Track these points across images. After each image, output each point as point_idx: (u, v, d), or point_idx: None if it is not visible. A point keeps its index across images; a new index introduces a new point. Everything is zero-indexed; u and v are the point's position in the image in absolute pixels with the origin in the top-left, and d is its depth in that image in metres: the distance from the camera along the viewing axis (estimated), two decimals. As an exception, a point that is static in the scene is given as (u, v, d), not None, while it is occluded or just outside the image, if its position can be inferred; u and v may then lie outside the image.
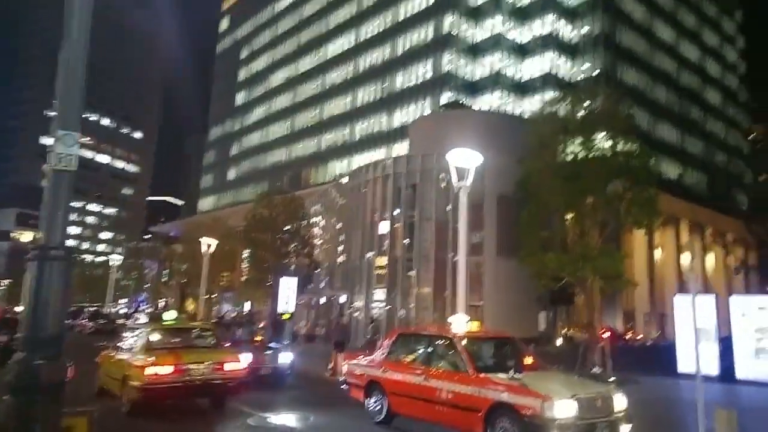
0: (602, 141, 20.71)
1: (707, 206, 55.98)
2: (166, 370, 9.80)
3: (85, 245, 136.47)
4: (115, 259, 60.38)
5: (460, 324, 11.23)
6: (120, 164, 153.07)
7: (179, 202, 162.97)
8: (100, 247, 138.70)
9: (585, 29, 54.58)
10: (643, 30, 58.19)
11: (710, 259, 57.58)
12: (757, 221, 45.27)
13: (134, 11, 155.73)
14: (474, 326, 11.46)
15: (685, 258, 53.37)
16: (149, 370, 9.70)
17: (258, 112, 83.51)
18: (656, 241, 50.29)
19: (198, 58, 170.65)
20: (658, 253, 51.31)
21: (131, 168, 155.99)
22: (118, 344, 12.04)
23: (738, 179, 66.00)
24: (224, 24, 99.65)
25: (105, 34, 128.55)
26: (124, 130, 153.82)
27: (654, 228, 25.30)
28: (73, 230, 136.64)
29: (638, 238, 44.39)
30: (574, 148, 20.52)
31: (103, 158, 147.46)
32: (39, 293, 4.92)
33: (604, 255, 18.72)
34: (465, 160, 12.60)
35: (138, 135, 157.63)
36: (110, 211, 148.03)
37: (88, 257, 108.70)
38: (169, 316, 14.56)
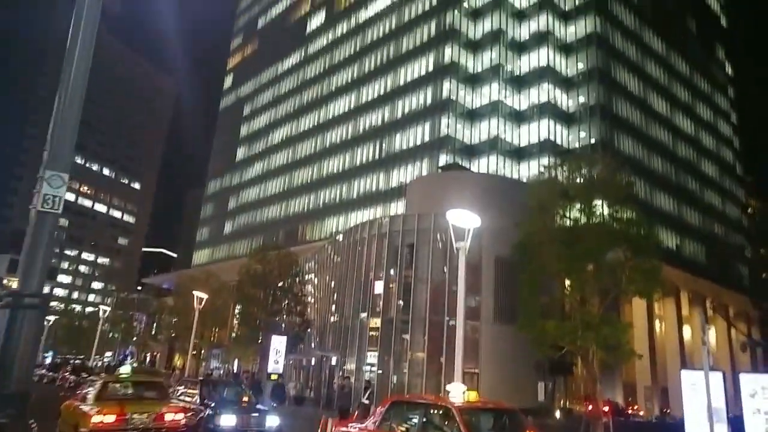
0: (601, 207, 20.60)
1: (707, 278, 55.53)
2: (110, 418, 10.76)
3: (76, 294, 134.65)
4: (104, 310, 59.25)
5: (458, 393, 10.66)
6: (117, 214, 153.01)
7: (173, 255, 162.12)
8: (91, 297, 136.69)
9: (581, 99, 55.81)
10: (638, 101, 59.50)
11: (712, 333, 56.51)
12: (762, 296, 43.98)
13: (139, 64, 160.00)
14: (472, 396, 10.89)
15: (687, 330, 52.35)
16: (95, 418, 10.66)
17: (257, 168, 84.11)
18: (656, 311, 49.50)
19: (201, 112, 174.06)
20: (658, 325, 50.41)
21: (128, 218, 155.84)
22: (78, 394, 13.06)
23: (737, 252, 65.76)
24: (228, 81, 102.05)
25: (108, 85, 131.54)
26: (123, 180, 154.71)
27: (654, 298, 24.80)
28: (65, 279, 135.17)
29: (638, 308, 43.64)
30: (573, 214, 20.40)
31: (101, 207, 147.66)
32: (8, 344, 4.55)
33: (605, 324, 18.21)
34: (463, 221, 12.34)
35: (136, 185, 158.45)
36: (104, 260, 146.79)
37: (78, 307, 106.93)
38: (125, 370, 15.21)
